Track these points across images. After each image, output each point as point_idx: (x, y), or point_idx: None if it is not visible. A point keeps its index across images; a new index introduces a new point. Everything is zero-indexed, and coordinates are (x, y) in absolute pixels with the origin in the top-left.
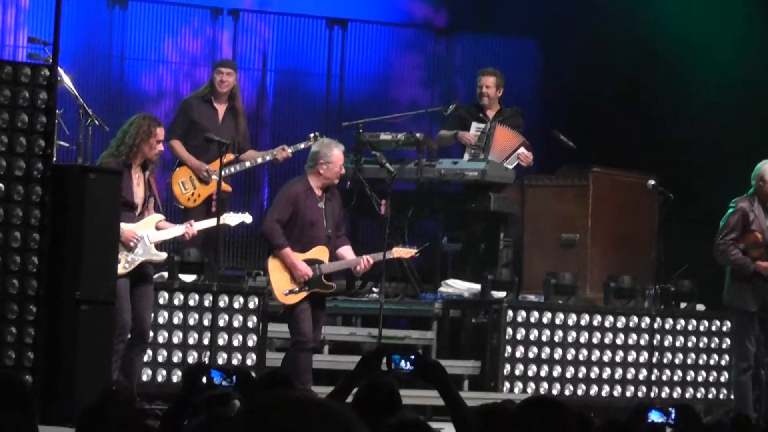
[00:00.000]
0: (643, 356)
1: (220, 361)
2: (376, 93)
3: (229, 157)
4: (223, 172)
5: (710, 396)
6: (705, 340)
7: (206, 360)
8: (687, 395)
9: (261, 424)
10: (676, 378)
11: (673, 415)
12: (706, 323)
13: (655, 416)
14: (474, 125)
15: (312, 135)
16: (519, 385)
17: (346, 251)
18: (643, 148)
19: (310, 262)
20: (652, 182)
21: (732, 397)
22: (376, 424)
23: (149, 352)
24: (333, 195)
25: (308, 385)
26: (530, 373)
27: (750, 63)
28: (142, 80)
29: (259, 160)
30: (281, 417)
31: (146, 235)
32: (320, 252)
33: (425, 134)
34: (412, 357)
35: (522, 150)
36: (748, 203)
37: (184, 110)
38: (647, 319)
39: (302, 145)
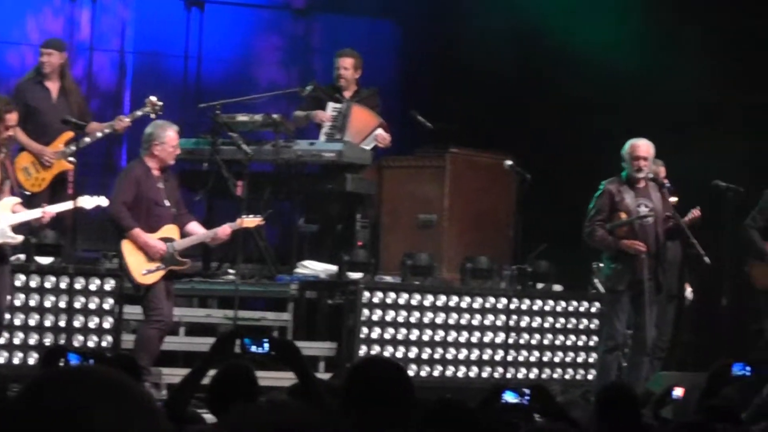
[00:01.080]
0: (500, 337)
1: (76, 344)
2: (235, 74)
3: (69, 135)
4: (69, 149)
5: (567, 377)
6: (562, 320)
7: (63, 342)
8: (543, 376)
9: (35, 398)
10: (532, 359)
11: (527, 395)
12: (563, 303)
13: (509, 396)
14: (330, 105)
15: (147, 100)
16: None
17: (195, 227)
18: (501, 129)
19: (163, 241)
20: (509, 163)
21: (589, 377)
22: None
23: (5, 334)
24: (169, 175)
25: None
26: (386, 355)
27: (613, 46)
28: (6, 60)
29: (99, 134)
30: (57, 390)
31: (2, 218)
32: (170, 230)
33: (282, 115)
34: (265, 340)
35: (379, 131)
36: (616, 184)
37: (17, 95)
38: (504, 300)
39: (139, 113)
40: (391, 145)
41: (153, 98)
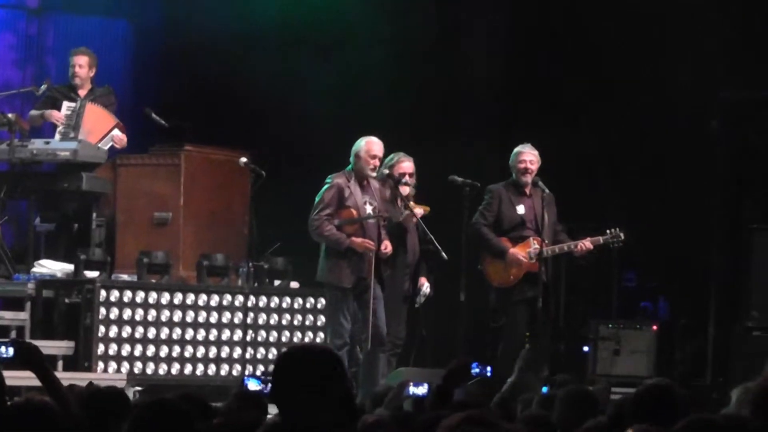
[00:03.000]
0: (237, 334)
1: None
2: None
3: None
4: None
5: None
6: (299, 317)
7: None
8: None
9: None
10: (270, 356)
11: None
12: (300, 300)
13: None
14: (65, 104)
15: None
16: (113, 365)
17: None
18: (237, 126)
19: None
20: (244, 160)
21: None
22: None
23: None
24: None
25: None
26: (124, 353)
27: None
28: None
29: None
30: None
31: None
32: None
33: (17, 114)
34: (9, 343)
35: (116, 132)
36: (344, 179)
37: None
38: (240, 297)
39: None
40: (127, 145)
41: None
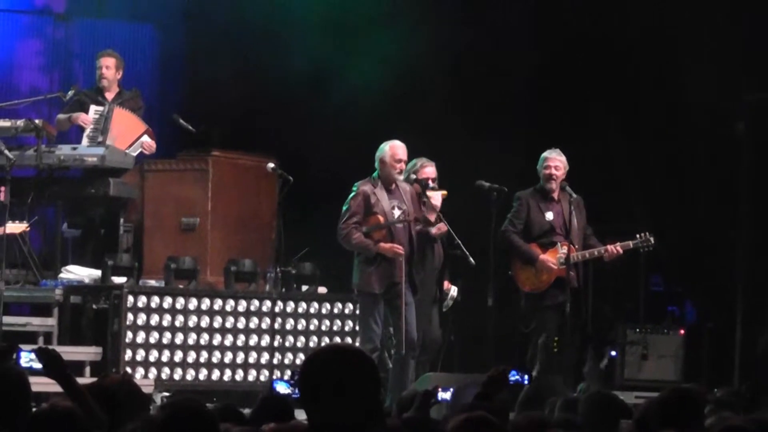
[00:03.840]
0: (265, 340)
1: None
2: None
3: None
4: None
5: None
6: (327, 323)
7: None
8: None
9: None
10: (298, 362)
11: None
12: (328, 306)
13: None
14: (93, 108)
15: None
16: (141, 370)
17: None
18: (264, 132)
19: None
20: (271, 165)
21: None
22: (10, 413)
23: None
24: None
25: None
26: (152, 359)
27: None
28: None
29: None
30: None
31: None
32: None
33: (44, 120)
34: (31, 351)
35: (145, 138)
36: (370, 186)
37: None
38: (268, 303)
39: None
40: (155, 151)
41: None
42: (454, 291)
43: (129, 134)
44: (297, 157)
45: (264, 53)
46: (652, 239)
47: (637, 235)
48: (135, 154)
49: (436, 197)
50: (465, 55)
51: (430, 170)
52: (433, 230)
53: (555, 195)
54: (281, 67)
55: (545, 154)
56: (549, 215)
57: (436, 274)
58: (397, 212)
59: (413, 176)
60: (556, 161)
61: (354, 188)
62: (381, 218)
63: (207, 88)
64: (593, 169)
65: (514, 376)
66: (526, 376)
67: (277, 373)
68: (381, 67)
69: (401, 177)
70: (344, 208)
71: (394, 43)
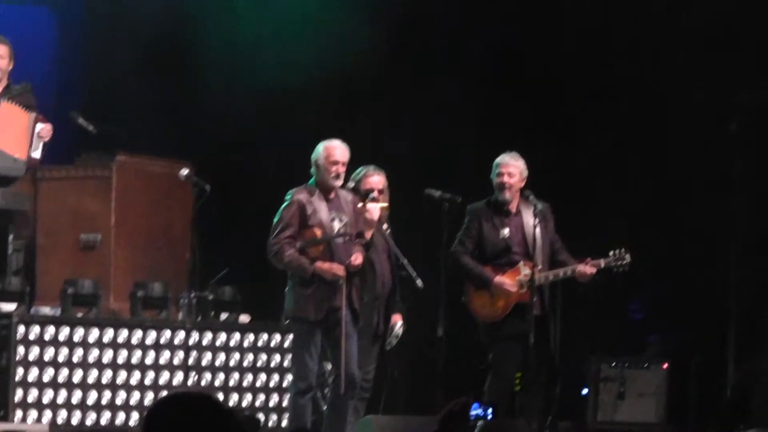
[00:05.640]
0: (178, 377)
1: None
2: None
3: None
4: None
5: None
6: (250, 357)
7: None
8: None
9: None
10: None
11: None
12: (251, 337)
13: None
14: None
15: None
16: (33, 413)
17: None
18: (177, 132)
19: None
20: (185, 171)
21: (284, 423)
22: None
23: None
24: None
25: None
26: (46, 400)
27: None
28: None
29: None
30: None
31: None
32: None
33: None
34: None
35: (38, 126)
36: (306, 194)
37: None
38: (182, 333)
39: None
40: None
41: None
42: (399, 326)
43: (19, 133)
44: (215, 163)
45: (175, 40)
46: (628, 257)
47: (611, 252)
48: (38, 155)
49: (374, 210)
50: (415, 55)
51: (375, 180)
52: (351, 260)
53: (513, 207)
54: (197, 56)
55: (498, 159)
56: (505, 231)
57: (376, 303)
58: (337, 225)
59: (351, 184)
60: (509, 167)
61: (287, 197)
62: (318, 232)
63: (111, 82)
64: (564, 177)
65: (475, 410)
66: (489, 410)
67: None
68: (315, 61)
69: (339, 183)
70: (276, 220)
71: (331, 37)
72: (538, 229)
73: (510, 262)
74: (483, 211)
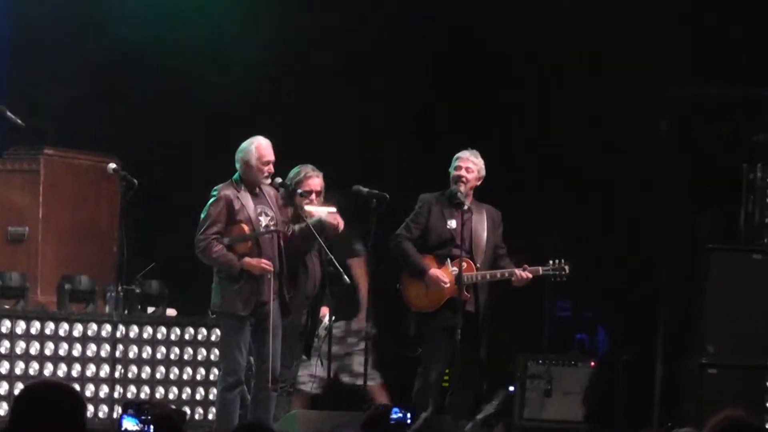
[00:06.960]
0: (105, 370)
1: None
2: None
3: None
4: None
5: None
6: (177, 350)
7: None
8: None
9: None
10: (143, 395)
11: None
12: (177, 331)
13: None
14: None
15: None
16: None
17: None
18: (104, 126)
19: None
20: (113, 165)
21: (210, 417)
22: None
23: None
24: None
25: None
26: None
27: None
28: None
29: None
30: None
31: None
32: None
33: None
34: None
35: None
36: (233, 190)
37: None
38: (108, 327)
39: None
40: None
41: None
42: (326, 320)
43: None
44: (143, 157)
45: (101, 32)
46: (567, 268)
47: (550, 261)
48: None
49: (320, 214)
50: (344, 55)
51: (315, 182)
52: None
53: (466, 202)
54: (123, 51)
55: (459, 153)
56: (452, 223)
57: (306, 302)
58: (264, 220)
59: (281, 181)
60: (468, 162)
61: (214, 193)
62: (246, 228)
63: (37, 74)
64: (494, 178)
65: (396, 414)
66: (409, 414)
67: (118, 410)
68: (243, 58)
69: (267, 181)
70: (203, 215)
71: (260, 37)
72: (485, 229)
73: (450, 255)
74: (435, 200)
